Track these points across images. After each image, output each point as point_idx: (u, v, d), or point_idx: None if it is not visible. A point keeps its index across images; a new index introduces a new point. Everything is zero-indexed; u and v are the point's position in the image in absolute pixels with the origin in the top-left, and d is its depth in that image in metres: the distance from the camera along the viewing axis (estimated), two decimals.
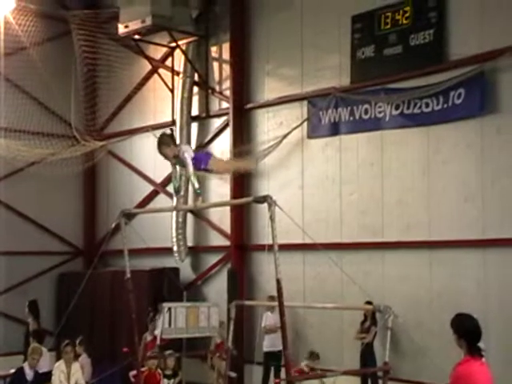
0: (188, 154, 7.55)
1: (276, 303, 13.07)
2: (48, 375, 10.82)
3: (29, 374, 10.29)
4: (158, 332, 14.35)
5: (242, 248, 15.86)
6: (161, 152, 7.74)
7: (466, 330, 5.90)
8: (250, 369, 14.59)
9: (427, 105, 12.76)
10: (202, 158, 7.60)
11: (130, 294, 8.92)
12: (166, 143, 7.71)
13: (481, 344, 6.04)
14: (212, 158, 7.65)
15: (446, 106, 12.47)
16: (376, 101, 13.52)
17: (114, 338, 16.17)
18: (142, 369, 10.40)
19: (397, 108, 13.23)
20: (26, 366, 10.37)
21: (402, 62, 13.13)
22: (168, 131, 7.93)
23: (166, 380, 11.57)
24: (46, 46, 16.75)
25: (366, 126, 13.76)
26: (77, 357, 11.76)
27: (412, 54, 12.99)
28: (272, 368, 14.00)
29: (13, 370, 11.04)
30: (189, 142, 16.77)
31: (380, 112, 13.54)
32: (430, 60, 12.77)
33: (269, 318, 14.01)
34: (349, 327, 13.53)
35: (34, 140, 16.31)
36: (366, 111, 13.74)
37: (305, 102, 14.91)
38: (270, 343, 14.08)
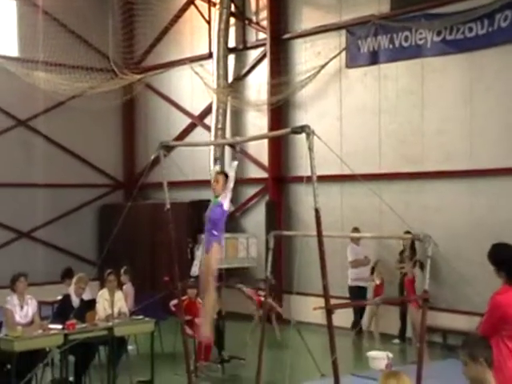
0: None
1: (361, 234, 13.12)
2: (92, 303, 11.11)
3: (75, 301, 10.54)
4: (197, 262, 14.57)
5: (279, 180, 15.89)
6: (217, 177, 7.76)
7: (504, 260, 5.84)
8: (288, 298, 14.78)
9: (470, 29, 12.39)
10: (220, 228, 7.66)
11: (169, 224, 9.01)
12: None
13: None
14: (216, 243, 7.66)
15: (490, 29, 12.10)
16: (417, 27, 13.18)
17: (154, 268, 16.52)
18: (183, 298, 10.59)
19: (438, 34, 12.90)
20: (72, 293, 10.64)
21: None
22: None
23: None
24: None
25: (406, 54, 13.48)
26: (120, 285, 12.02)
27: None
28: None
29: (60, 297, 11.36)
30: (226, 75, 16.66)
31: (421, 39, 13.22)
32: None
33: (355, 251, 13.71)
34: (387, 257, 13.57)
35: (74, 74, 16.35)
36: (406, 38, 13.43)
37: (343, 31, 14.64)
38: (356, 277, 13.65)
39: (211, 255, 7.57)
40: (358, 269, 13.64)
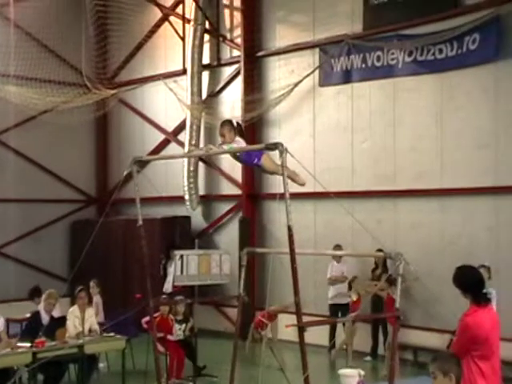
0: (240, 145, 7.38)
1: (333, 252, 13.12)
2: (62, 320, 10.98)
3: (44, 319, 10.43)
4: (169, 279, 14.51)
5: (253, 197, 15.90)
6: (221, 131, 7.50)
7: (469, 283, 5.87)
8: None
9: (441, 51, 12.59)
10: (256, 154, 7.41)
11: (142, 240, 8.98)
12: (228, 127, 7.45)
13: (488, 289, 6.05)
14: (265, 154, 7.45)
15: (460, 51, 12.31)
16: (389, 47, 13.36)
17: (126, 285, 16.39)
18: (155, 314, 10.52)
19: (410, 55, 13.08)
20: (41, 310, 10.53)
21: (416, 7, 12.93)
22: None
23: (177, 325, 11.71)
24: None
25: (379, 74, 13.62)
26: (91, 302, 11.91)
27: None
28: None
29: (29, 315, 11.21)
30: (200, 91, 16.70)
31: (393, 59, 13.39)
32: (444, 5, 12.59)
33: (334, 268, 13.71)
34: (360, 275, 13.60)
35: (46, 88, 16.22)
36: (379, 58, 13.58)
37: (316, 50, 14.76)
38: (335, 295, 13.64)
39: (266, 163, 7.33)
40: (336, 286, 13.66)
